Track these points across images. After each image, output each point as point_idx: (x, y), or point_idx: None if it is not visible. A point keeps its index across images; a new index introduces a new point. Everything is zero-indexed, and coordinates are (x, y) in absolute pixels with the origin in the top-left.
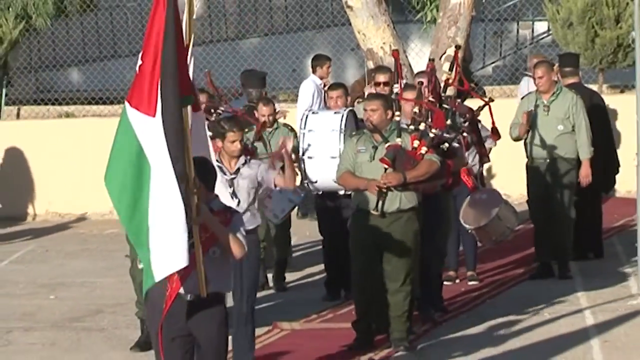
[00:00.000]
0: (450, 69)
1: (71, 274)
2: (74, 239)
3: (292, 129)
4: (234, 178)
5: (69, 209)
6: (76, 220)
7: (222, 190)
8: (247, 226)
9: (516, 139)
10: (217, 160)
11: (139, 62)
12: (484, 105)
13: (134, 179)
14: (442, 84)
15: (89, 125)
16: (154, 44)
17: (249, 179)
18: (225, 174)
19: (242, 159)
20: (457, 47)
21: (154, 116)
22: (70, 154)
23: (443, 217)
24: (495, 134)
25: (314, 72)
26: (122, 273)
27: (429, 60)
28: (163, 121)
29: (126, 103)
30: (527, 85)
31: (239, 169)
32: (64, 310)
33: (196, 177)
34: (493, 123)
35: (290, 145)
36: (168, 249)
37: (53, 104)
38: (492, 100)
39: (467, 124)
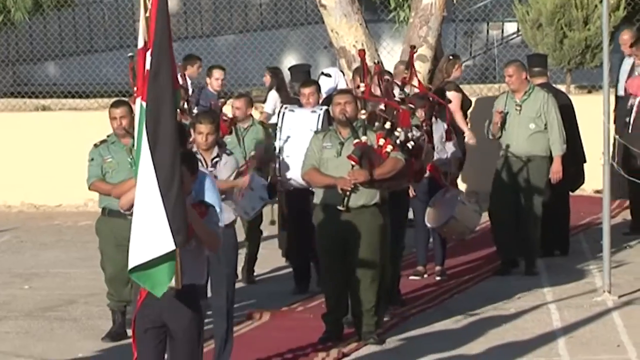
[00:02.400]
0: (407, 69)
1: (45, 265)
2: (49, 230)
3: (266, 128)
4: (211, 171)
5: (44, 200)
6: (51, 212)
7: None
8: (225, 220)
9: (491, 139)
10: (195, 153)
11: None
12: (442, 107)
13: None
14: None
15: (65, 119)
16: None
17: (229, 167)
18: (202, 166)
19: (214, 152)
20: (412, 47)
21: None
22: (46, 147)
23: (400, 212)
24: (448, 134)
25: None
26: (96, 264)
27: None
28: (148, 109)
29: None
30: None
31: (216, 162)
32: (37, 300)
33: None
34: (448, 125)
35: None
36: (151, 236)
37: (30, 97)
38: (450, 102)
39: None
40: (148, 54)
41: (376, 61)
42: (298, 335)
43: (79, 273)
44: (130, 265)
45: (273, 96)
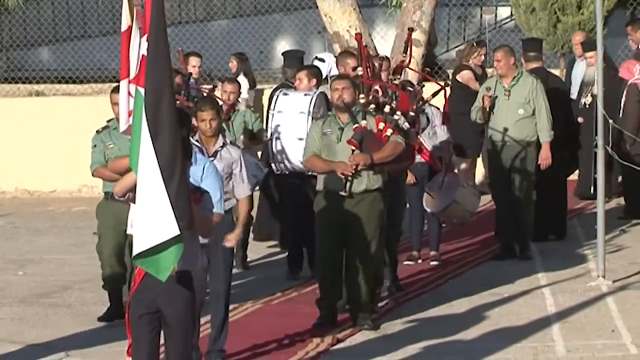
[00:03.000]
0: (405, 52)
1: (39, 251)
2: (43, 216)
3: (254, 111)
4: (212, 160)
5: (38, 186)
6: (45, 198)
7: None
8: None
9: (479, 123)
10: (196, 141)
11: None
12: (439, 90)
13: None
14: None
15: (59, 104)
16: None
17: (226, 163)
18: (204, 155)
19: (219, 141)
20: (410, 30)
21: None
22: (40, 132)
23: (398, 198)
24: (447, 118)
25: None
26: (90, 250)
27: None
28: (148, 95)
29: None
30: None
31: (217, 151)
32: (32, 286)
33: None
34: (445, 108)
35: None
36: (155, 222)
37: (24, 82)
38: (448, 85)
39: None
40: (144, 39)
41: (365, 44)
42: (293, 321)
43: (73, 259)
44: (135, 251)
45: (242, 82)
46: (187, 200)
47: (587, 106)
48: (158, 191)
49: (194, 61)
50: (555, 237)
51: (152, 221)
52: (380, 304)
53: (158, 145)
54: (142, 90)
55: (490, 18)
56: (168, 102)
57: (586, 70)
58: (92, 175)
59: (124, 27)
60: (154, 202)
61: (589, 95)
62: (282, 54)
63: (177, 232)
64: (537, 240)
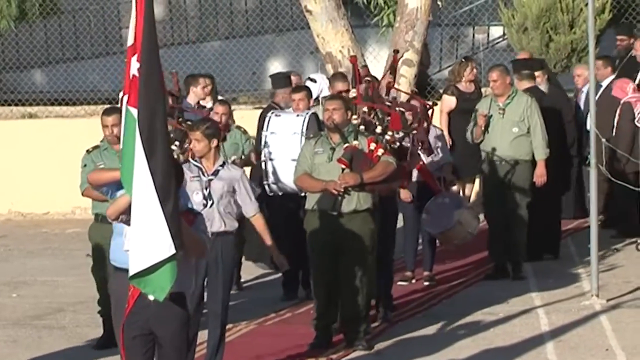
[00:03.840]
0: (391, 73)
1: (33, 273)
2: (36, 238)
3: (245, 132)
4: (211, 180)
5: (31, 208)
6: (38, 220)
7: (192, 191)
8: (224, 228)
9: (474, 142)
10: (195, 161)
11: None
12: (427, 110)
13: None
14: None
15: (52, 126)
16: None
17: (226, 182)
18: (203, 174)
19: (219, 161)
20: (396, 52)
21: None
22: (33, 154)
23: (392, 219)
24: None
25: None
26: (84, 272)
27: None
28: (140, 115)
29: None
30: None
31: (217, 170)
32: (25, 308)
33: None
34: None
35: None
36: (150, 242)
37: (16, 104)
38: (436, 105)
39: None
40: (134, 59)
41: (361, 66)
42: (288, 342)
43: (67, 281)
44: (131, 272)
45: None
46: (179, 220)
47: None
48: (154, 211)
49: (203, 82)
50: (552, 256)
51: (148, 241)
52: (374, 324)
53: (153, 165)
54: (133, 111)
55: (483, 38)
56: (161, 123)
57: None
58: (82, 194)
59: (130, 42)
60: (150, 222)
61: None
62: (270, 76)
63: (173, 251)
64: (531, 259)
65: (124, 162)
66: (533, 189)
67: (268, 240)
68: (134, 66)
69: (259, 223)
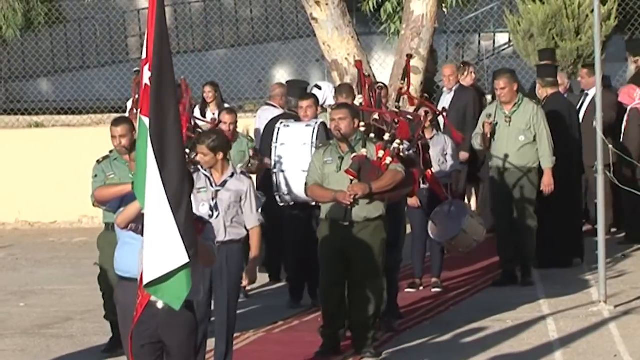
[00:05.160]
0: (403, 79)
1: (41, 282)
2: (44, 247)
3: (252, 140)
4: (218, 190)
5: (38, 217)
6: (46, 229)
7: (199, 202)
8: (230, 237)
9: (479, 149)
10: (205, 170)
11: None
12: (437, 115)
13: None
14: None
15: (58, 135)
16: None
17: (234, 193)
18: (211, 185)
19: (229, 172)
20: (409, 57)
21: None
22: (39, 163)
23: (399, 226)
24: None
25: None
26: (91, 280)
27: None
28: (152, 124)
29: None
30: None
31: (225, 181)
32: (33, 317)
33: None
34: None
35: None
36: (164, 251)
37: (23, 114)
38: (445, 110)
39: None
40: (146, 68)
41: (367, 74)
42: (295, 350)
43: (75, 290)
44: (145, 280)
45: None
46: (193, 228)
47: None
48: (166, 221)
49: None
50: (580, 260)
51: (162, 250)
52: (381, 332)
53: (165, 175)
54: (145, 120)
55: (489, 44)
56: (174, 132)
57: None
58: (93, 205)
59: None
60: (163, 231)
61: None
62: (287, 82)
63: (186, 259)
64: (559, 266)
65: (137, 171)
66: (551, 194)
67: (255, 252)
68: (146, 75)
69: (255, 235)
